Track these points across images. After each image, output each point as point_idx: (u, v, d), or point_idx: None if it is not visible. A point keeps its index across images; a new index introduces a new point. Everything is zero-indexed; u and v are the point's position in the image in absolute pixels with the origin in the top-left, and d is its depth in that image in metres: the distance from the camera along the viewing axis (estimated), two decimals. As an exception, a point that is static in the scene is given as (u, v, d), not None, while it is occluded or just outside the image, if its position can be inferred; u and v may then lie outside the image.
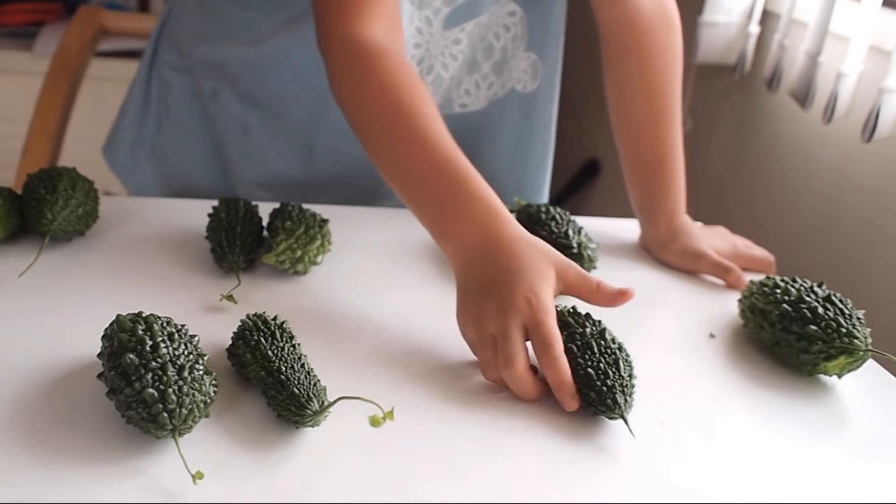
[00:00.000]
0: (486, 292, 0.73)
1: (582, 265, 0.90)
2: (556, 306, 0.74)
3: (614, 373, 0.68)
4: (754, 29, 1.69)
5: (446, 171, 0.79)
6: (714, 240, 1.04)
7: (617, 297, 0.76)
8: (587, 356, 0.69)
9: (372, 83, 0.84)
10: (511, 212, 0.80)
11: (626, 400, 0.67)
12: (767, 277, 0.86)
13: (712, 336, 0.86)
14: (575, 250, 0.90)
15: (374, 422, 0.58)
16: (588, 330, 0.71)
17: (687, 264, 1.02)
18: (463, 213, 0.77)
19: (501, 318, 0.71)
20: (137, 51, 2.31)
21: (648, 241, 1.06)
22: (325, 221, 0.89)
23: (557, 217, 0.94)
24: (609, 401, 0.67)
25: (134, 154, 1.21)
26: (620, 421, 0.68)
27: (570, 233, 0.92)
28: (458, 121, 1.09)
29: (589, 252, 0.91)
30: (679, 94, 1.07)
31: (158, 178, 1.19)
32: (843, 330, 0.77)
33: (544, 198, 1.22)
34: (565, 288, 0.75)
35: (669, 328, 0.89)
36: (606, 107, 1.09)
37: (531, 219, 0.95)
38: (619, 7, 1.04)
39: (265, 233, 0.90)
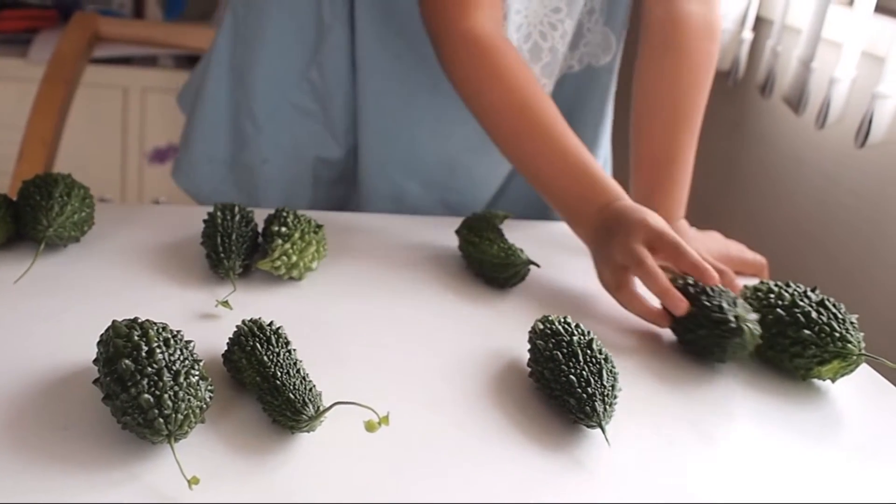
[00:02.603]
0: (607, 243, 0.88)
1: (743, 342, 0.79)
2: (548, 316, 0.76)
3: (596, 381, 0.69)
4: (747, 35, 1.70)
5: (571, 166, 0.93)
6: (707, 243, 1.05)
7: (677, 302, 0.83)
8: (571, 363, 0.70)
9: (495, 84, 0.95)
10: None
11: (605, 409, 0.67)
12: (761, 282, 0.86)
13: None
14: (733, 325, 0.79)
15: (370, 427, 0.58)
16: (576, 339, 0.72)
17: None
18: (588, 201, 0.92)
19: (624, 246, 0.86)
20: (133, 57, 2.31)
21: None
22: (319, 227, 0.89)
23: (709, 289, 0.83)
24: (588, 408, 0.67)
25: (214, 171, 1.17)
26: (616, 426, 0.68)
27: (725, 305, 0.80)
28: None
29: (749, 325, 0.79)
30: (703, 105, 1.08)
31: (244, 199, 1.15)
32: (837, 334, 0.77)
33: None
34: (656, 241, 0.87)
35: (664, 331, 0.90)
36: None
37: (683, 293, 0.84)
38: (669, 7, 1.06)
39: (260, 239, 0.90)
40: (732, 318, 0.79)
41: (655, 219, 0.87)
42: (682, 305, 0.82)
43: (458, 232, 0.97)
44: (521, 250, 0.91)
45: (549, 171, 0.94)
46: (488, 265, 0.91)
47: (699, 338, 0.81)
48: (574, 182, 0.93)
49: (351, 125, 1.14)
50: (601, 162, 1.23)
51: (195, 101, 1.17)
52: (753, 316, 0.80)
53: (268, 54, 1.11)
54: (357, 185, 1.15)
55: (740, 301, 0.82)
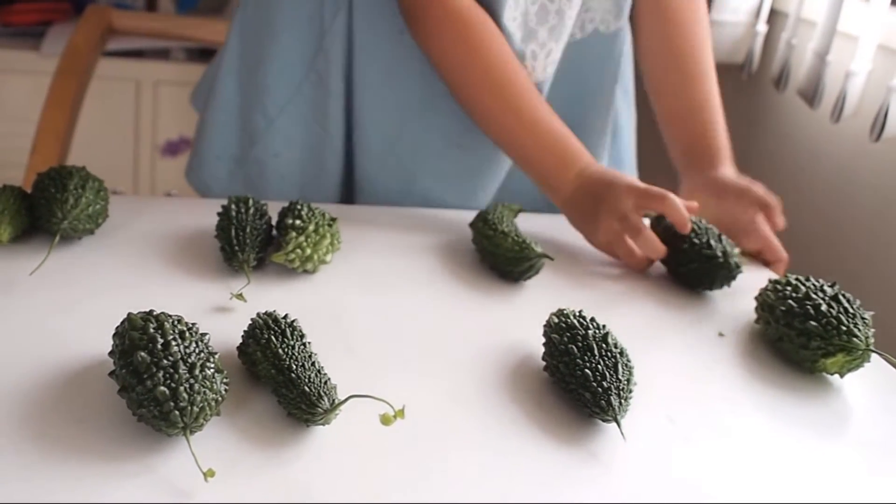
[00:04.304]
0: (596, 208, 0.96)
1: (729, 273, 0.93)
2: (563, 310, 0.76)
3: (611, 375, 0.68)
4: (762, 28, 1.69)
5: (543, 136, 1.00)
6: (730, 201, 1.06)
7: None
8: (586, 357, 0.70)
9: (475, 60, 1.00)
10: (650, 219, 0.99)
11: (620, 403, 0.67)
12: (785, 276, 0.86)
13: (721, 335, 0.86)
14: (721, 259, 0.92)
15: (385, 420, 0.58)
16: (591, 332, 0.72)
17: (733, 193, 1.05)
18: (563, 168, 0.99)
19: (617, 212, 0.95)
20: (146, 50, 2.31)
21: (690, 189, 1.08)
22: (333, 220, 0.89)
23: (696, 227, 0.96)
24: (603, 402, 0.67)
25: (222, 168, 1.17)
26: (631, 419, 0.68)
27: (713, 242, 0.93)
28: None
29: (734, 259, 0.92)
30: (709, 56, 1.12)
31: (252, 195, 1.14)
32: (843, 328, 0.77)
33: (630, 144, 1.26)
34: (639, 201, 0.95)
35: (679, 326, 0.89)
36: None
37: (668, 232, 0.96)
38: None
39: (274, 231, 0.90)
40: (720, 254, 0.92)
41: (637, 181, 0.96)
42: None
43: (472, 225, 0.97)
44: (536, 243, 0.91)
45: (524, 143, 1.01)
46: (502, 258, 0.91)
47: (690, 271, 0.94)
48: (547, 152, 1.00)
49: (351, 110, 1.13)
50: (625, 134, 1.26)
51: (207, 98, 1.17)
52: (737, 250, 0.94)
53: (278, 48, 1.11)
54: (364, 172, 1.14)
55: (725, 238, 0.95)
